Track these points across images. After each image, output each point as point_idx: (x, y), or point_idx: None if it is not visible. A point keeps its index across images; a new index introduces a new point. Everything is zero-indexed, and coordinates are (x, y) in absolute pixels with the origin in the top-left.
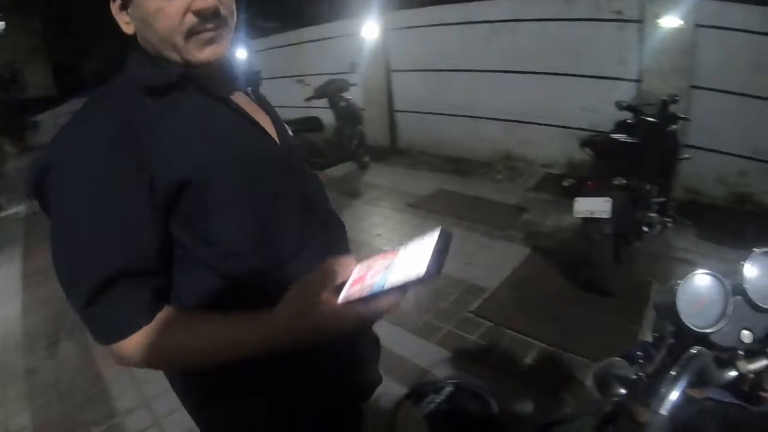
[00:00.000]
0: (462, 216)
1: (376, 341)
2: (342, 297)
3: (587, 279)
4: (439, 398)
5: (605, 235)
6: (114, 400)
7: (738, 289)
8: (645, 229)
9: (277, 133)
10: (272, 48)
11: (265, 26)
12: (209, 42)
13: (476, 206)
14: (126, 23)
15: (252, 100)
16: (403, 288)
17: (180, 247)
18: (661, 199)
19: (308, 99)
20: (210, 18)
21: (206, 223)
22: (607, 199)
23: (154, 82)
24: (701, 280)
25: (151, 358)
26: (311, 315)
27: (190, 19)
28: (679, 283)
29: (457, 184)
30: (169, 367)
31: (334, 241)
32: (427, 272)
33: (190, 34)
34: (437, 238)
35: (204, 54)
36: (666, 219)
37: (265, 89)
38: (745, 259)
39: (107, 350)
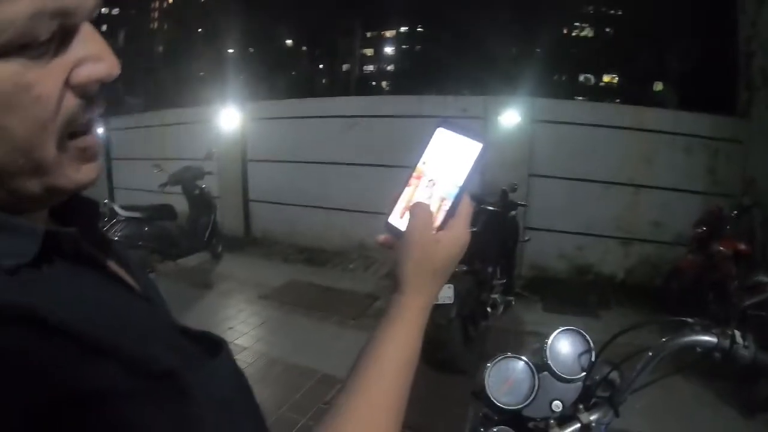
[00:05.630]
0: (314, 306)
1: None
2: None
3: (440, 360)
4: None
5: (450, 320)
6: None
7: (544, 366)
8: (489, 309)
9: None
10: (131, 128)
11: (129, 103)
12: (92, 154)
13: (329, 296)
14: None
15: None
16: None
17: None
18: (503, 280)
19: (162, 186)
20: (95, 100)
21: None
22: (450, 285)
23: None
24: (508, 363)
25: None
26: (428, 262)
27: (71, 105)
28: (488, 368)
29: (310, 274)
30: None
31: None
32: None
33: (66, 135)
34: (444, 130)
35: (82, 174)
36: (509, 298)
37: (121, 171)
38: (547, 338)
39: None
